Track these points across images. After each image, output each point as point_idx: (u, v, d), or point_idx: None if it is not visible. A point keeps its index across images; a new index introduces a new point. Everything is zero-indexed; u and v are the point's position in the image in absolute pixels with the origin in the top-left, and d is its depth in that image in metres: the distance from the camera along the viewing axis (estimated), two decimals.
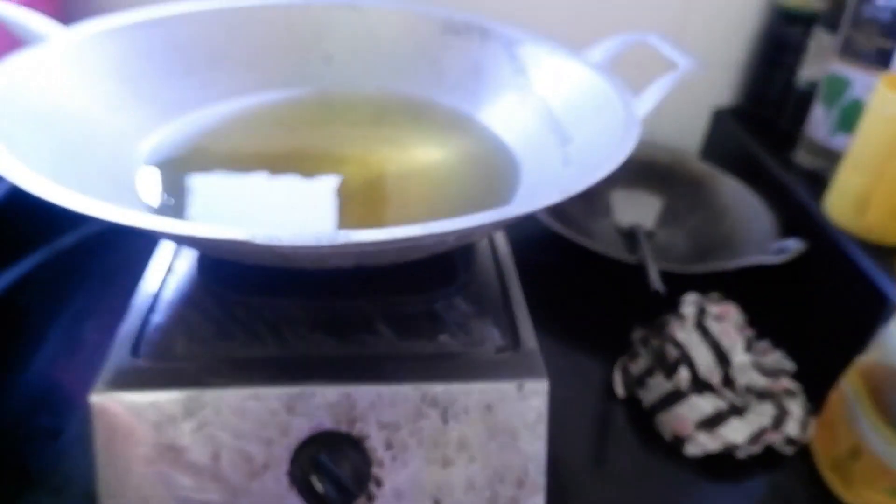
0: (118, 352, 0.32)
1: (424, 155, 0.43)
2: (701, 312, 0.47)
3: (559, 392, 0.35)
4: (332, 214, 0.37)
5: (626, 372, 0.46)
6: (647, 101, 0.35)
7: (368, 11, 0.50)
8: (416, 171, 0.41)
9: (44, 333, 0.41)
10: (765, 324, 0.49)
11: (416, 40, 0.50)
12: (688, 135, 0.72)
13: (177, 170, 0.39)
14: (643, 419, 0.44)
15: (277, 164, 0.41)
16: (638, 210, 0.64)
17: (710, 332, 0.45)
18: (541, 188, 0.37)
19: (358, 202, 0.38)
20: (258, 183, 0.39)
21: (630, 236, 0.60)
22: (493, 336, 0.36)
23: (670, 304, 0.47)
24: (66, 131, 0.35)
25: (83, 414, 0.31)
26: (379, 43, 0.51)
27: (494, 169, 0.41)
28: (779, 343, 0.48)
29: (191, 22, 0.46)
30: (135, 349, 0.33)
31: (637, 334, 0.48)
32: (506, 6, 0.62)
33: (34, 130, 0.32)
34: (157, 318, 0.35)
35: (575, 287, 0.55)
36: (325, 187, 0.39)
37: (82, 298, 0.44)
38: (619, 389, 0.46)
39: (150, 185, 0.37)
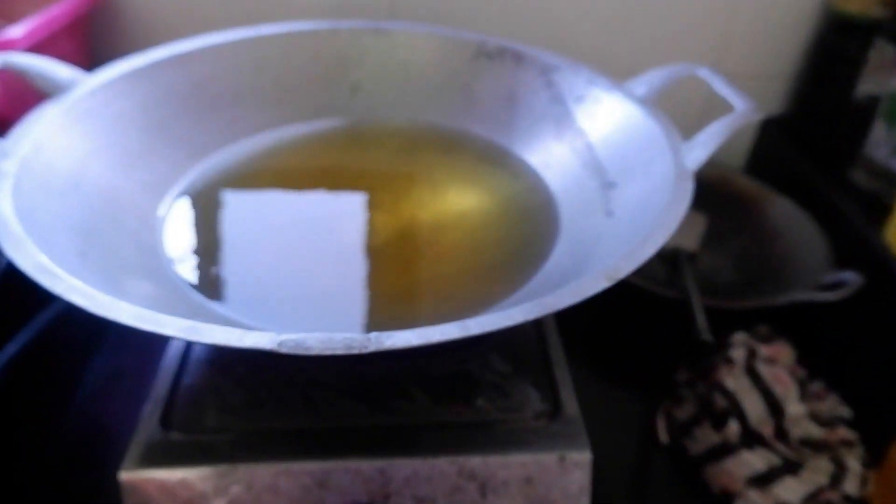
0: (147, 424, 0.31)
1: (458, 198, 0.41)
2: (751, 355, 0.44)
3: (597, 434, 0.33)
4: (363, 275, 0.35)
5: (670, 417, 0.44)
6: (700, 149, 0.33)
7: (397, 35, 0.48)
8: (449, 219, 0.39)
9: (69, 396, 0.40)
10: (816, 360, 0.46)
11: (447, 66, 0.48)
12: (733, 146, 0.68)
13: (204, 220, 0.38)
14: (689, 469, 0.42)
15: (307, 210, 0.40)
16: (679, 230, 0.60)
17: (762, 377, 0.42)
18: (582, 245, 0.34)
19: (390, 256, 0.37)
20: (288, 236, 0.38)
21: (671, 260, 0.57)
22: (532, 399, 0.34)
23: (717, 342, 0.45)
24: (90, 198, 0.34)
25: (111, 488, 0.30)
26: (408, 69, 0.49)
27: (532, 214, 0.39)
28: (832, 384, 0.46)
29: (215, 56, 0.44)
30: (164, 420, 0.32)
31: (681, 376, 0.46)
32: (541, 29, 0.59)
33: (57, 203, 0.31)
34: (187, 381, 0.34)
35: (612, 320, 0.53)
36: (355, 241, 0.37)
37: (109, 354, 0.43)
38: (663, 436, 0.44)
39: (178, 243, 0.36)
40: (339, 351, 0.21)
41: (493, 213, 0.40)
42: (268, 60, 0.46)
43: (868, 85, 0.56)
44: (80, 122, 0.36)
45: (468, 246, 0.38)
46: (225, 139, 0.44)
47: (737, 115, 0.33)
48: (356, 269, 0.35)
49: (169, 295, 0.31)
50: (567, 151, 0.42)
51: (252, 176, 0.42)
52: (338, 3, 0.56)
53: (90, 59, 0.56)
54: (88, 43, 0.55)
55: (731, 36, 0.61)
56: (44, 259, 0.25)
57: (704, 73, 0.38)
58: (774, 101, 0.65)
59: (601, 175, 0.38)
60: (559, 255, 0.35)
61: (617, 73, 0.61)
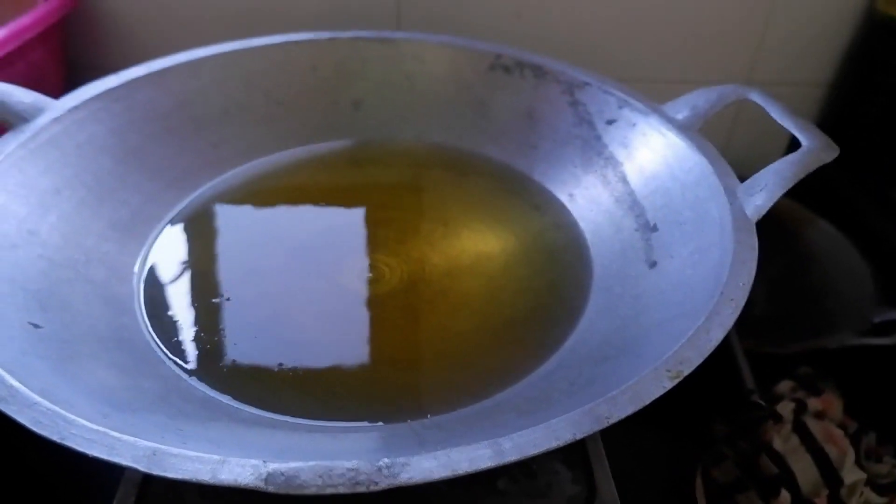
0: None
1: (473, 235, 0.36)
2: (799, 408, 0.39)
3: (628, 495, 0.29)
4: (364, 334, 0.30)
5: (708, 477, 0.40)
6: (762, 195, 0.28)
7: (403, 45, 0.43)
8: (463, 262, 0.34)
9: None
10: (863, 406, 0.42)
11: (459, 79, 0.43)
12: (762, 158, 0.63)
13: (185, 265, 0.33)
14: None
15: (303, 251, 0.35)
16: None
17: (813, 436, 0.38)
18: (621, 300, 0.30)
19: (396, 308, 0.32)
20: (280, 284, 0.33)
21: None
22: (563, 480, 0.29)
23: (762, 394, 0.40)
24: (49, 247, 0.29)
25: None
26: (415, 83, 0.44)
27: (558, 256, 0.35)
28: (883, 436, 0.41)
29: (199, 70, 0.39)
30: None
31: (720, 429, 0.41)
32: (563, 40, 0.54)
33: (7, 258, 0.26)
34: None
35: None
36: (357, 290, 0.33)
37: None
38: (702, 501, 0.39)
39: (154, 293, 0.31)
40: (342, 489, 0.17)
41: (513, 255, 0.35)
42: (259, 74, 0.41)
43: None
44: (41, 155, 0.31)
45: (486, 296, 0.33)
46: (210, 166, 0.39)
47: (805, 154, 0.28)
48: (357, 326, 0.31)
49: (139, 366, 0.26)
50: (597, 182, 0.37)
51: (240, 211, 0.38)
52: (338, 12, 0.51)
53: (65, 68, 0.51)
54: (62, 52, 0.50)
55: (766, 40, 0.56)
56: None
57: (758, 97, 0.33)
58: (809, 111, 0.60)
59: (639, 215, 0.33)
60: (594, 313, 0.30)
61: (647, 83, 0.57)
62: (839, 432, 0.39)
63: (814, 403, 0.40)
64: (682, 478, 0.41)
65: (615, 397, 0.19)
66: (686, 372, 0.20)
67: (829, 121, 0.60)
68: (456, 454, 0.17)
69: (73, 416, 0.18)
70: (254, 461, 0.17)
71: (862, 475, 0.37)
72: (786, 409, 0.39)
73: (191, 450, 0.18)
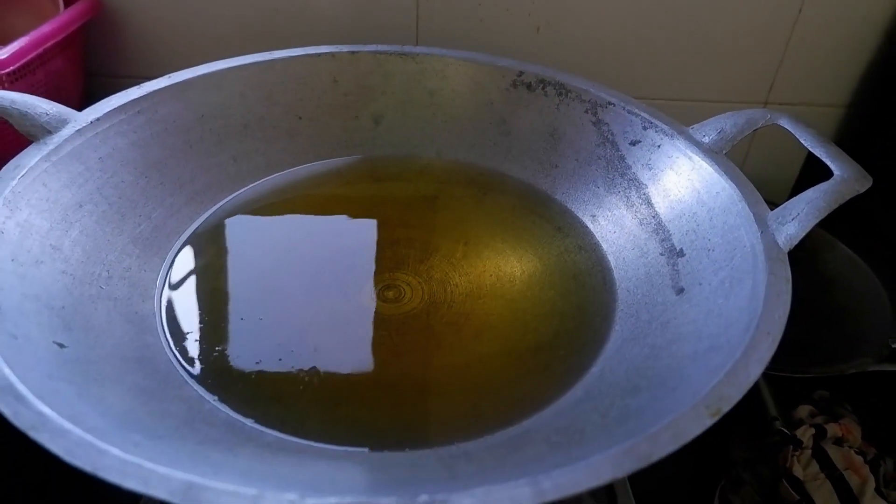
0: None
1: (494, 256, 0.36)
2: (819, 433, 0.39)
3: None
4: (386, 356, 0.30)
5: (726, 502, 0.39)
6: (795, 224, 0.27)
7: (425, 61, 0.43)
8: (486, 283, 0.34)
9: None
10: (880, 430, 0.41)
11: (481, 96, 0.43)
12: (777, 177, 0.63)
13: (208, 281, 0.33)
14: None
15: (324, 269, 0.35)
16: None
17: (833, 463, 0.37)
18: (648, 326, 0.29)
19: (418, 330, 0.32)
20: (302, 303, 0.33)
21: None
22: None
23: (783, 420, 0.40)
24: (72, 263, 0.29)
25: None
26: (437, 99, 0.43)
27: (582, 279, 0.34)
28: None
29: (221, 83, 0.39)
30: None
31: (739, 454, 0.41)
32: (583, 58, 0.54)
33: (32, 275, 0.26)
34: None
35: None
36: (378, 311, 0.32)
37: None
38: None
39: (176, 311, 0.31)
40: None
41: (535, 277, 0.35)
42: (280, 88, 0.41)
43: None
44: (64, 169, 0.31)
45: (509, 319, 0.32)
46: (230, 181, 0.39)
47: (838, 184, 0.28)
48: (379, 348, 0.30)
49: (162, 389, 0.26)
50: (620, 204, 0.37)
51: (260, 226, 0.37)
52: (357, 27, 0.51)
53: (84, 77, 0.51)
54: (82, 61, 0.50)
55: (786, 60, 0.56)
56: (5, 371, 0.20)
57: (787, 123, 0.32)
58: (828, 131, 0.60)
59: (664, 239, 0.33)
60: (620, 339, 0.30)
61: (665, 100, 0.57)
62: (859, 459, 0.38)
63: (833, 429, 0.40)
64: (700, 502, 0.40)
65: (655, 435, 0.19)
66: (725, 409, 0.20)
67: (847, 142, 0.60)
68: (496, 492, 0.17)
69: (105, 446, 0.18)
70: (290, 496, 0.17)
71: (882, 503, 0.37)
72: (805, 434, 0.39)
73: (223, 481, 0.17)
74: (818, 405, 0.43)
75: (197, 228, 0.36)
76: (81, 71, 0.51)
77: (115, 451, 0.17)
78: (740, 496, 0.39)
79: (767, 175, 0.62)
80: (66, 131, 0.32)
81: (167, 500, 0.16)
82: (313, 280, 0.34)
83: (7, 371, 0.20)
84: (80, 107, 0.34)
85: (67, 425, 0.18)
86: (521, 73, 0.42)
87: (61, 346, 0.24)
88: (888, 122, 0.55)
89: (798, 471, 0.37)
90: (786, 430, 0.38)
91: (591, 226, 0.37)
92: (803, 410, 0.41)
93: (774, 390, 0.43)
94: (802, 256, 0.54)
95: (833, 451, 0.38)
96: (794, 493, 0.36)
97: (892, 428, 0.42)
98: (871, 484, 0.37)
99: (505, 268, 0.36)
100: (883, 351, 0.44)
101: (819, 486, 0.37)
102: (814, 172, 0.61)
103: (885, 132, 0.56)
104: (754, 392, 0.42)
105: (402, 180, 0.42)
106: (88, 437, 0.18)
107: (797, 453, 0.38)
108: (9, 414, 0.18)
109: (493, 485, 0.17)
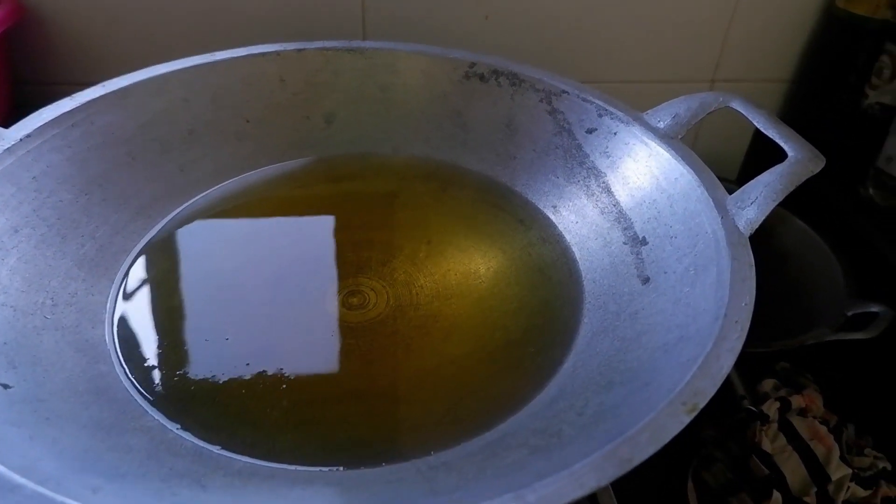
0: None
1: (458, 254, 0.35)
2: (783, 406, 0.40)
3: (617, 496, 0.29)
4: (354, 366, 0.29)
5: (699, 481, 0.40)
6: (754, 208, 0.28)
7: (375, 55, 0.42)
8: (452, 282, 0.34)
9: None
10: (840, 398, 0.43)
11: (434, 89, 0.42)
12: (725, 153, 0.64)
13: (159, 300, 0.32)
14: None
15: (282, 278, 0.34)
16: None
17: (799, 435, 0.39)
18: (617, 318, 0.29)
19: (386, 336, 0.31)
20: (260, 316, 0.31)
21: None
22: None
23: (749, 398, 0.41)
24: (12, 294, 0.27)
25: None
26: (389, 94, 0.42)
27: (548, 272, 0.34)
28: (861, 428, 0.42)
29: (161, 88, 0.37)
30: None
31: (709, 433, 0.42)
32: (530, 43, 0.53)
33: None
34: None
35: None
36: (342, 319, 0.31)
37: None
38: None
39: (128, 334, 0.29)
40: None
41: (501, 273, 0.34)
42: (225, 90, 0.39)
43: (880, 93, 0.52)
44: None
45: (477, 318, 0.32)
46: (178, 191, 0.37)
47: (793, 165, 0.28)
48: (348, 357, 0.30)
49: (121, 421, 0.24)
50: (581, 193, 0.37)
51: (213, 236, 0.36)
52: (301, 22, 0.49)
53: (9, 85, 0.48)
54: (7, 67, 0.47)
55: (730, 38, 0.56)
56: None
57: (739, 106, 0.33)
58: (773, 106, 0.61)
59: (626, 227, 0.33)
60: (590, 333, 0.29)
61: (613, 83, 0.57)
62: (823, 429, 0.39)
63: (797, 400, 0.41)
64: (673, 482, 0.41)
65: (635, 437, 0.18)
66: (701, 404, 0.20)
67: (793, 117, 0.61)
68: None
69: (62, 499, 0.16)
70: None
71: (847, 470, 0.38)
72: (771, 408, 0.40)
73: None
74: (780, 377, 0.44)
75: (146, 244, 0.34)
76: (8, 79, 0.48)
77: (72, 503, 0.16)
78: (712, 474, 0.40)
79: (718, 151, 0.63)
80: None
81: None
82: (274, 290, 0.33)
83: None
84: (7, 118, 0.32)
85: (18, 479, 0.17)
86: (473, 65, 0.41)
87: (6, 386, 0.22)
88: (830, 96, 0.57)
89: (766, 445, 0.38)
90: (753, 408, 0.38)
91: (553, 217, 0.37)
92: (768, 384, 0.42)
93: (738, 365, 0.43)
94: (758, 232, 0.55)
95: (798, 423, 0.39)
96: (764, 468, 0.37)
97: (851, 395, 0.43)
98: (836, 452, 0.38)
99: (469, 265, 0.35)
100: (839, 320, 0.46)
101: (787, 459, 0.37)
102: (763, 146, 0.62)
103: (827, 106, 0.57)
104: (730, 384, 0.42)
105: (359, 179, 0.41)
106: (41, 489, 0.17)
107: (764, 428, 0.39)
108: None
109: (477, 502, 0.17)
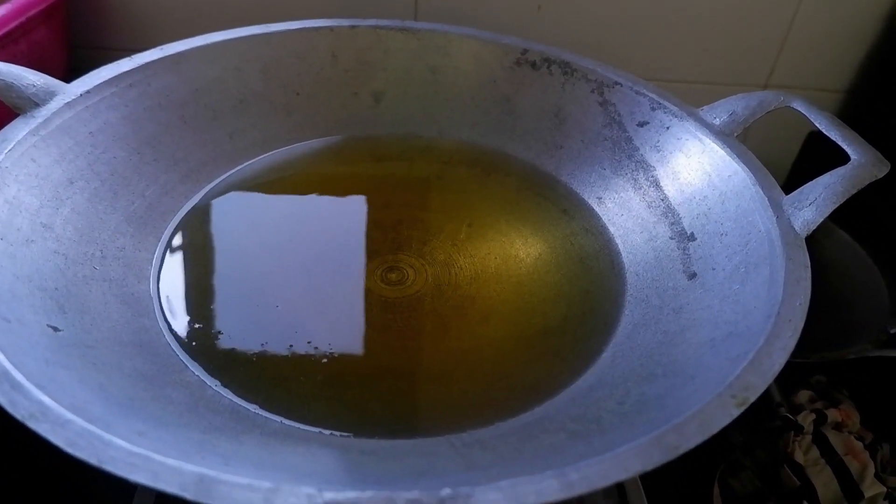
0: None
1: (499, 238, 0.35)
2: (819, 419, 0.39)
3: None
4: (391, 340, 0.29)
5: (726, 487, 0.39)
6: (811, 210, 0.27)
7: (427, 36, 0.42)
8: (490, 266, 0.33)
9: None
10: (877, 415, 0.41)
11: (484, 74, 0.42)
12: (774, 159, 0.63)
13: (205, 261, 0.32)
14: None
15: (325, 250, 0.34)
16: None
17: (833, 448, 0.38)
18: (660, 312, 0.29)
19: (423, 314, 0.31)
20: (302, 285, 0.32)
21: None
22: (596, 493, 0.29)
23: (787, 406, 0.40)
24: (65, 242, 0.27)
25: None
26: (439, 77, 0.42)
27: (590, 262, 0.34)
28: None
29: (216, 57, 0.38)
30: None
31: (738, 438, 0.41)
32: (586, 39, 0.52)
33: (24, 255, 0.25)
34: None
35: None
36: (381, 294, 0.31)
37: None
38: None
39: (172, 292, 0.30)
40: None
41: (541, 260, 0.34)
42: (277, 62, 0.40)
43: None
44: (53, 143, 0.30)
45: (515, 303, 0.32)
46: (226, 158, 0.37)
47: (855, 169, 0.28)
48: (385, 333, 0.30)
49: (163, 374, 0.25)
50: (627, 186, 0.36)
51: (258, 204, 0.36)
52: (356, 5, 0.49)
53: (68, 49, 0.49)
54: (66, 31, 0.48)
55: (787, 44, 0.55)
56: None
57: (801, 106, 0.32)
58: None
59: (674, 223, 0.33)
60: (630, 325, 0.29)
61: (665, 81, 0.56)
62: (859, 445, 0.38)
63: (833, 414, 0.40)
64: (698, 486, 0.40)
65: (682, 426, 0.18)
66: (752, 399, 0.19)
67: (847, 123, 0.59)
68: (521, 485, 0.16)
69: (109, 437, 0.17)
70: (307, 489, 0.16)
71: (882, 489, 0.37)
72: (807, 420, 0.39)
73: (234, 472, 0.17)
74: (816, 390, 0.43)
75: (193, 207, 0.35)
76: (66, 43, 0.49)
77: (121, 442, 0.17)
78: (740, 481, 0.39)
79: (765, 157, 0.62)
80: (55, 104, 0.31)
81: (178, 494, 0.16)
82: (314, 261, 0.33)
83: (1, 357, 0.19)
84: (64, 81, 0.32)
85: (69, 415, 0.17)
86: (525, 51, 0.41)
87: (56, 329, 0.23)
88: (887, 108, 0.55)
89: (799, 456, 0.37)
90: (790, 416, 0.38)
91: (597, 208, 0.37)
92: (804, 395, 0.41)
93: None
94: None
95: (833, 437, 0.38)
96: (796, 479, 0.36)
97: (888, 413, 0.42)
98: (871, 469, 0.37)
99: (510, 250, 0.35)
100: (881, 337, 0.44)
101: (819, 472, 0.37)
102: (813, 155, 0.61)
103: (884, 118, 0.55)
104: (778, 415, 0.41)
105: (403, 160, 0.41)
106: (91, 427, 0.17)
107: (798, 439, 0.38)
108: (5, 403, 0.17)
109: (517, 477, 0.17)
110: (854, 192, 0.27)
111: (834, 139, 0.29)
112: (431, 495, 0.16)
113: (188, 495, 0.16)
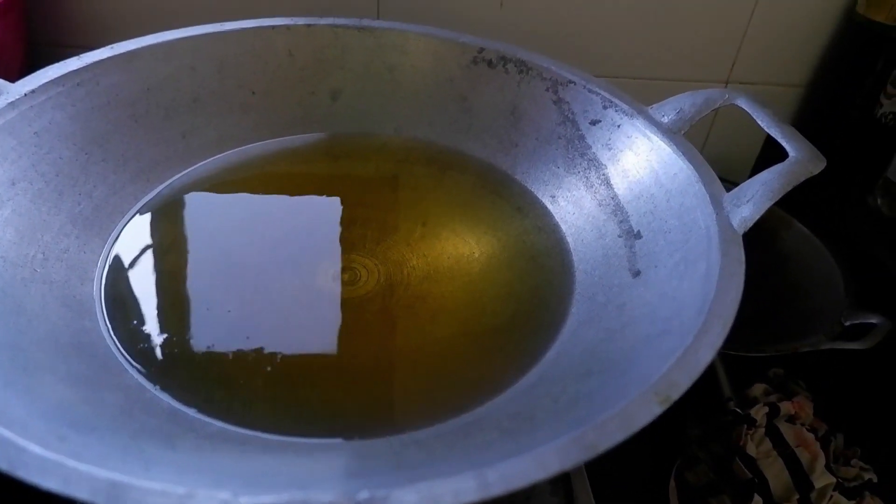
0: None
1: (452, 237, 0.35)
2: (772, 412, 0.40)
3: (598, 491, 0.28)
4: (337, 340, 0.29)
5: (682, 480, 0.40)
6: (750, 206, 0.27)
7: (384, 35, 0.42)
8: (443, 265, 0.33)
9: None
10: (831, 406, 0.42)
11: (441, 72, 0.42)
12: (736, 157, 0.63)
13: (151, 263, 0.32)
14: None
15: (276, 249, 0.34)
16: None
17: (785, 441, 0.38)
18: (604, 309, 0.29)
19: (373, 313, 0.31)
20: (252, 284, 0.32)
21: None
22: (542, 490, 0.29)
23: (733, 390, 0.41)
24: (3, 244, 0.27)
25: None
26: (396, 75, 0.42)
27: (540, 260, 0.34)
28: (850, 438, 0.42)
29: (169, 54, 0.37)
30: None
31: (694, 432, 0.42)
32: (544, 36, 0.53)
33: None
34: None
35: None
36: (331, 293, 0.31)
37: None
38: (676, 503, 0.39)
39: (116, 295, 0.30)
40: None
41: (494, 258, 0.34)
42: (233, 61, 0.39)
43: (893, 103, 0.51)
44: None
45: (466, 301, 0.32)
46: (178, 157, 0.37)
47: (792, 165, 0.28)
48: (332, 332, 0.30)
49: (100, 377, 0.24)
50: (580, 184, 0.36)
51: (209, 205, 0.36)
52: (317, 3, 0.49)
53: (25, 46, 0.48)
54: (23, 29, 0.47)
55: (747, 40, 0.56)
56: None
57: (745, 103, 0.32)
58: (787, 111, 0.60)
59: (622, 220, 0.33)
60: (577, 322, 0.29)
61: (626, 79, 0.56)
62: (811, 436, 0.39)
63: (786, 407, 0.40)
64: (656, 480, 0.41)
65: (603, 424, 0.18)
66: (675, 397, 0.20)
67: (806, 122, 0.60)
68: (439, 486, 0.17)
69: (24, 442, 0.17)
70: (223, 495, 0.16)
71: (832, 479, 0.37)
72: (759, 413, 0.39)
73: (153, 478, 0.17)
74: (772, 382, 0.44)
75: (142, 207, 0.34)
76: (22, 39, 0.48)
77: (35, 447, 0.16)
78: (695, 474, 0.39)
79: (729, 154, 0.62)
80: None
81: (88, 501, 0.16)
82: (265, 261, 0.33)
83: None
84: (21, 77, 0.32)
85: None
86: (481, 50, 0.41)
87: None
88: (846, 103, 0.56)
89: (751, 449, 0.38)
90: (739, 411, 0.38)
91: (550, 206, 0.37)
92: (758, 389, 0.42)
93: (729, 368, 0.43)
94: (759, 235, 0.55)
95: (785, 429, 0.39)
96: (747, 471, 0.37)
97: (842, 405, 0.43)
98: (822, 460, 0.38)
99: (463, 249, 0.35)
100: (836, 329, 0.45)
101: (771, 464, 0.37)
102: (775, 151, 0.61)
103: (842, 113, 0.56)
104: (709, 370, 0.42)
105: (360, 158, 0.41)
106: (5, 431, 0.17)
107: (750, 431, 0.38)
108: None
109: (435, 479, 0.17)
110: (790, 187, 0.27)
111: (773, 135, 0.30)
112: (347, 498, 0.16)
113: (99, 501, 0.15)
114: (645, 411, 0.19)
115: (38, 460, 0.16)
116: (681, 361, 0.21)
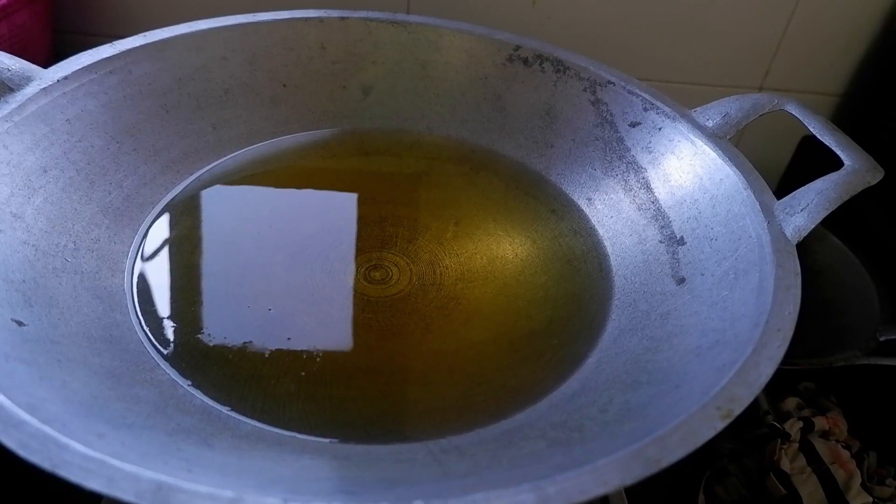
0: None
1: (486, 238, 0.34)
2: (806, 427, 0.39)
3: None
4: (372, 342, 0.28)
5: (711, 494, 0.39)
6: (803, 216, 0.26)
7: (418, 30, 0.41)
8: (476, 267, 0.33)
9: None
10: (865, 423, 0.41)
11: (475, 70, 0.41)
12: (767, 164, 0.62)
13: (181, 257, 0.31)
14: None
15: (306, 246, 0.33)
16: None
17: (820, 457, 0.37)
18: (647, 317, 0.28)
19: (406, 314, 0.30)
20: (282, 281, 0.31)
21: None
22: None
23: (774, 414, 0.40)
24: (35, 233, 0.26)
25: None
26: (429, 71, 0.41)
27: (577, 265, 0.33)
28: (883, 456, 0.41)
29: (201, 45, 0.37)
30: None
31: (725, 445, 0.41)
32: (580, 38, 0.52)
33: None
34: None
35: None
36: (363, 293, 0.31)
37: None
38: None
39: (147, 287, 0.29)
40: None
41: (528, 261, 0.33)
42: (264, 52, 0.39)
43: None
44: (27, 130, 0.29)
45: (501, 304, 0.31)
46: (209, 149, 0.36)
47: (849, 175, 0.27)
48: (365, 332, 0.29)
49: (132, 371, 0.24)
50: (618, 187, 0.35)
51: (240, 197, 0.35)
52: None
53: (51, 34, 0.48)
54: (49, 16, 0.47)
55: (783, 46, 0.55)
56: None
57: (795, 109, 0.31)
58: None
59: (664, 226, 0.32)
60: (617, 330, 0.28)
61: (659, 81, 0.55)
62: (846, 453, 0.38)
63: (820, 422, 0.39)
64: (684, 492, 0.40)
65: (665, 438, 0.17)
66: (737, 411, 0.19)
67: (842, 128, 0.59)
68: (496, 499, 0.16)
69: (65, 440, 0.16)
70: (272, 500, 0.15)
71: (868, 498, 0.36)
72: (794, 427, 0.38)
73: (197, 479, 0.16)
74: (804, 397, 0.43)
75: (172, 199, 0.34)
76: (49, 27, 0.47)
77: (77, 445, 0.16)
78: (725, 488, 0.38)
79: (756, 162, 0.61)
80: (31, 89, 0.30)
81: (133, 502, 0.15)
82: (296, 257, 0.32)
83: None
84: (47, 66, 0.31)
85: (23, 415, 0.16)
86: (517, 48, 0.40)
87: (20, 323, 0.22)
88: (883, 112, 0.55)
89: (785, 464, 0.37)
90: (777, 424, 0.37)
91: (586, 209, 0.36)
92: (791, 402, 0.41)
93: None
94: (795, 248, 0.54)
95: (820, 445, 0.38)
96: (781, 487, 0.36)
97: (876, 422, 0.42)
98: (857, 478, 0.37)
99: (496, 250, 0.34)
100: (870, 344, 0.44)
101: (805, 480, 0.36)
102: (806, 161, 0.60)
103: (879, 123, 0.55)
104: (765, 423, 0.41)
105: (390, 155, 0.40)
106: (46, 428, 0.16)
107: (785, 446, 0.37)
108: None
109: (492, 490, 0.16)
110: (847, 198, 0.26)
111: (827, 144, 0.29)
112: None
113: (145, 503, 0.15)
114: (707, 426, 0.18)
115: (82, 459, 0.15)
116: (740, 375, 0.20)
